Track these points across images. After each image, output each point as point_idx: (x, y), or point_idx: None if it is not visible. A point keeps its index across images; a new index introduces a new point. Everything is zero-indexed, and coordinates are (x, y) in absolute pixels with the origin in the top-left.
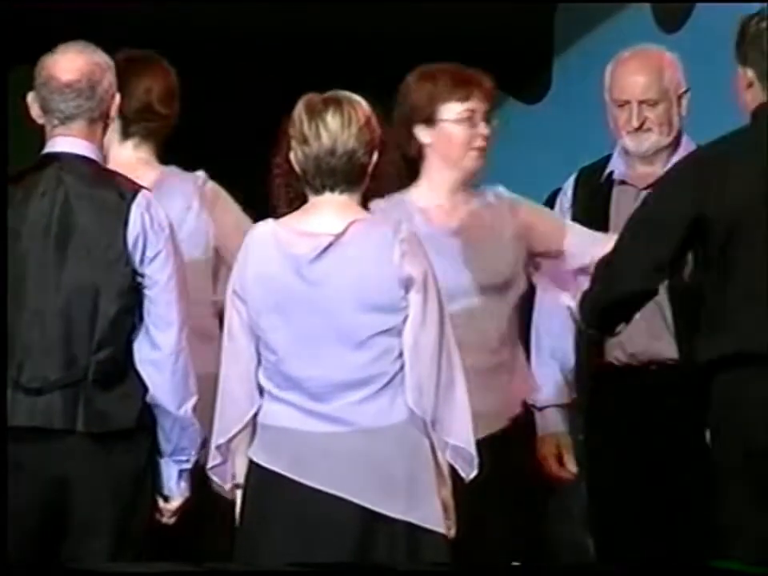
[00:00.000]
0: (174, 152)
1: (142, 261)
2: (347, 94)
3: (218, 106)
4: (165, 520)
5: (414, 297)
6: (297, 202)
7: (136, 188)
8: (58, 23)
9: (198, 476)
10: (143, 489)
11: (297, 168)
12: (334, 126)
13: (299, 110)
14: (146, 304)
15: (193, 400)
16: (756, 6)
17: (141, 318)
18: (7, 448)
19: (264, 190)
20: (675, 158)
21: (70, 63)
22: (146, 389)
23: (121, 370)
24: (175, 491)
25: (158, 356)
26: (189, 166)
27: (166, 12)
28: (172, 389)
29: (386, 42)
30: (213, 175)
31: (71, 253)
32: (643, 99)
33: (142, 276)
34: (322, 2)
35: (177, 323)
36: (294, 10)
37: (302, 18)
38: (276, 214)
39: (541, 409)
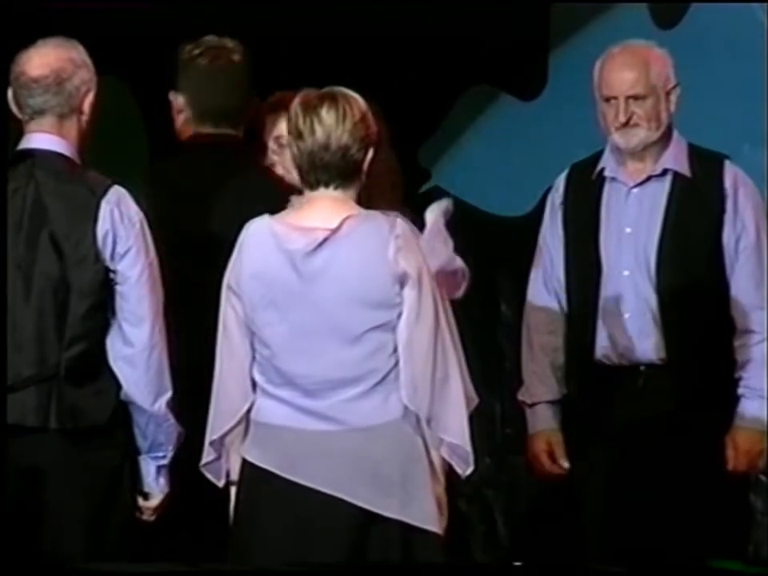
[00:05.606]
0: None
1: (112, 257)
2: (343, 89)
3: None
4: (145, 518)
5: (409, 293)
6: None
7: (107, 184)
8: (60, 20)
9: (193, 475)
10: (120, 485)
11: (292, 163)
12: (328, 121)
13: (295, 105)
14: (118, 300)
15: (167, 395)
16: (754, 6)
17: (113, 314)
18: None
19: None
20: (666, 154)
21: (41, 59)
22: (120, 385)
23: (94, 366)
24: (155, 488)
25: (130, 352)
26: None
27: (165, 10)
28: (146, 385)
29: (381, 38)
30: None
31: (42, 249)
32: (630, 94)
33: (114, 272)
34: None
35: (149, 319)
36: (297, 7)
37: (302, 15)
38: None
39: (531, 405)
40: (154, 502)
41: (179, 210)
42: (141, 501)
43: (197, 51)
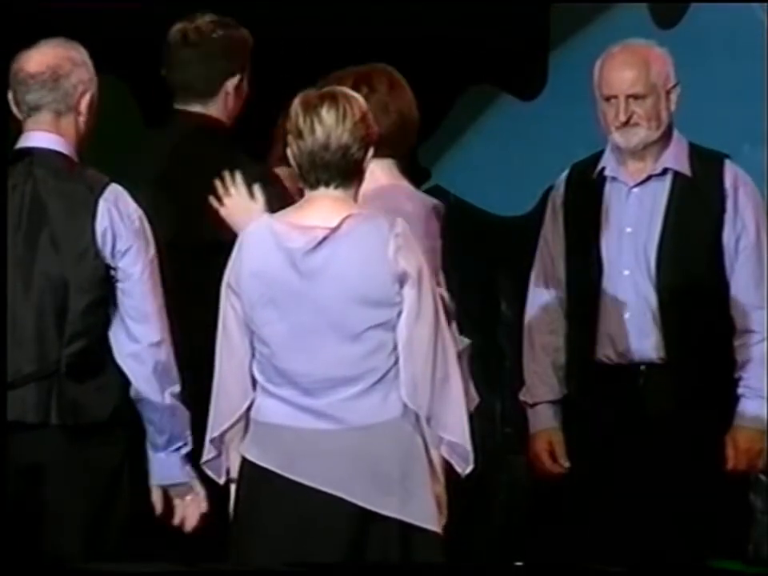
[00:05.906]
0: None
1: (112, 255)
2: (344, 89)
3: None
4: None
5: (409, 292)
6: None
7: (105, 182)
8: (60, 20)
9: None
10: (120, 483)
11: (293, 162)
12: (328, 120)
13: (295, 104)
14: (120, 296)
15: (175, 387)
16: (754, 6)
17: (115, 310)
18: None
19: None
20: (666, 153)
21: (40, 56)
22: (123, 382)
23: (95, 362)
24: (183, 478)
25: (137, 348)
26: None
27: (165, 10)
28: (155, 380)
29: (381, 38)
30: None
31: (41, 246)
32: (630, 93)
33: (114, 269)
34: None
35: (154, 314)
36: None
37: (302, 15)
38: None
39: (533, 405)
40: (200, 496)
41: (148, 182)
42: (192, 508)
43: (174, 28)
